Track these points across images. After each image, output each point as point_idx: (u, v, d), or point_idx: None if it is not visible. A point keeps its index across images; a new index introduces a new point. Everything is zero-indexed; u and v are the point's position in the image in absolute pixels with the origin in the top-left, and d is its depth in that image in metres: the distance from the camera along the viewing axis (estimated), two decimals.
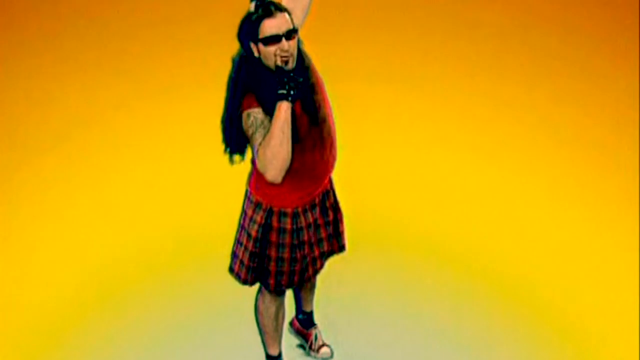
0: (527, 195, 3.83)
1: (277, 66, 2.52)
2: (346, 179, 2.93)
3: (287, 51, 2.53)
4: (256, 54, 2.56)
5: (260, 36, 2.53)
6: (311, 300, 3.16)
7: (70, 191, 3.59)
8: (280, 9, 2.56)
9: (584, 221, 3.71)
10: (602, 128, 4.08)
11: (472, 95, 4.24)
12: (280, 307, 2.93)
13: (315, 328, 3.19)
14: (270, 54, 2.54)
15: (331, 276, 3.19)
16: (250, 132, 2.53)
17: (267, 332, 2.98)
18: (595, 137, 4.05)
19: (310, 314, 3.19)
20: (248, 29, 2.55)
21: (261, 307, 2.91)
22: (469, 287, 3.40)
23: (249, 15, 2.56)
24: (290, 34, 2.54)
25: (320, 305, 3.22)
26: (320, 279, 3.10)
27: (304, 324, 3.20)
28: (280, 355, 3.05)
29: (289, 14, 2.57)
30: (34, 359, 3.07)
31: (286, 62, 2.54)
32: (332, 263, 3.00)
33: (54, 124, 3.53)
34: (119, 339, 3.15)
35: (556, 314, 3.29)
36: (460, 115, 4.20)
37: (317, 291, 3.15)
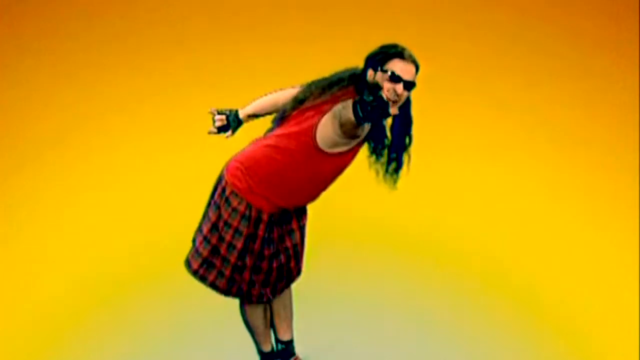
0: (525, 196, 3.84)
1: (380, 95, 2.71)
2: (347, 180, 2.93)
3: (398, 95, 2.76)
4: (369, 78, 2.79)
5: (385, 68, 2.77)
6: (287, 326, 3.08)
7: (71, 191, 3.60)
8: (415, 61, 2.79)
9: (583, 221, 3.71)
10: (603, 129, 4.08)
11: (471, 96, 4.25)
12: (266, 306, 2.97)
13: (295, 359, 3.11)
14: (386, 86, 2.76)
15: (329, 277, 3.21)
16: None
17: (258, 332, 3.00)
18: (594, 139, 4.05)
19: (289, 343, 3.09)
20: (377, 57, 2.79)
21: (248, 309, 2.95)
22: (465, 287, 3.41)
23: (388, 47, 2.80)
24: (410, 85, 2.77)
25: (315, 305, 3.24)
26: (319, 279, 3.12)
27: (283, 355, 3.09)
28: (273, 350, 3.05)
29: (417, 70, 2.80)
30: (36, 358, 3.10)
31: (392, 102, 2.77)
32: (333, 263, 3.01)
33: (54, 124, 3.55)
34: (121, 339, 3.16)
35: (554, 314, 3.30)
36: (459, 115, 4.21)
37: (314, 294, 3.16)
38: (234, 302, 3.18)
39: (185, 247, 3.16)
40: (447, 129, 4.11)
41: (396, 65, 2.75)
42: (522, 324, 3.24)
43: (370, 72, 2.77)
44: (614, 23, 4.14)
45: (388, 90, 2.73)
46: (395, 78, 2.73)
